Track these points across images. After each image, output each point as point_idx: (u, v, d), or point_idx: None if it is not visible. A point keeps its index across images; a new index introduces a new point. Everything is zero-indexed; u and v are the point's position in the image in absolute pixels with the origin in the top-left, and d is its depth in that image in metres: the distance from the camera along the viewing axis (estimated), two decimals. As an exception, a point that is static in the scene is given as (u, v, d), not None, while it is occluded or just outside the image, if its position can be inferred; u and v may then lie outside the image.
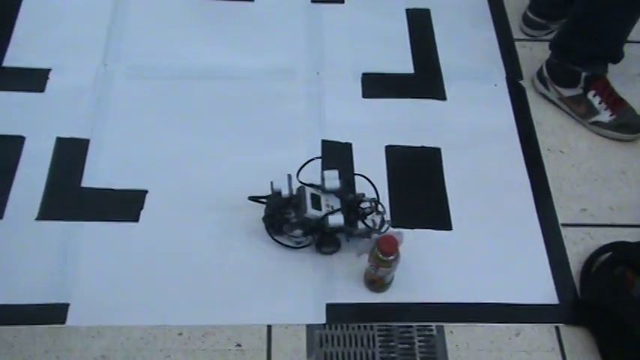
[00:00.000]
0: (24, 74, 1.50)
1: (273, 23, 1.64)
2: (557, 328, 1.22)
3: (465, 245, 1.31)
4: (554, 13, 1.61)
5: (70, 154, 1.38)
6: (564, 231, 1.34)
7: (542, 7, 1.62)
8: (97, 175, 1.36)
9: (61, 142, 1.40)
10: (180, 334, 1.18)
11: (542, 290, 1.27)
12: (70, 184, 1.34)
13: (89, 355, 1.15)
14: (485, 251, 1.31)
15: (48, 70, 1.50)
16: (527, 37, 1.65)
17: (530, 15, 1.64)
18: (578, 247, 1.32)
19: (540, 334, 1.22)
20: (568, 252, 1.31)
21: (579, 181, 1.41)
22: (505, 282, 1.27)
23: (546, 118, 1.51)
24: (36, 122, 1.42)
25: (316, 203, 1.22)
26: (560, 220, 1.35)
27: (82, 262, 1.25)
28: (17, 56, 1.53)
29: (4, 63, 1.51)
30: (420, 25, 1.66)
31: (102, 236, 1.28)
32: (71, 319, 1.19)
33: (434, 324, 1.22)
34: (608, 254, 1.29)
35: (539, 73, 1.53)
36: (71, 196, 1.33)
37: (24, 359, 1.14)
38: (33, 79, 1.49)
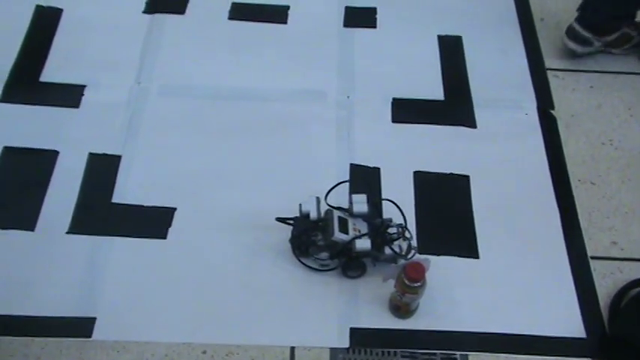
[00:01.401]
0: (60, 89, 1.53)
1: (305, 46, 1.65)
2: (583, 363, 1.21)
3: (491, 274, 1.30)
4: (604, 26, 1.56)
5: (102, 169, 1.40)
6: (593, 264, 1.32)
7: (591, 19, 1.56)
8: (127, 191, 1.38)
9: (93, 157, 1.42)
10: (204, 352, 1.19)
11: (570, 323, 1.25)
12: (100, 200, 1.36)
13: (113, 369, 1.16)
14: (512, 281, 1.29)
15: (83, 87, 1.53)
16: (559, 67, 1.64)
17: (577, 27, 1.60)
18: (607, 281, 1.30)
19: (567, 368, 1.20)
20: (596, 285, 1.29)
21: (610, 214, 1.40)
22: (531, 313, 1.25)
23: (577, 148, 1.50)
24: (70, 137, 1.45)
25: (343, 227, 1.23)
26: (589, 252, 1.34)
27: (109, 277, 1.26)
28: (54, 72, 1.56)
29: (41, 78, 1.55)
30: (451, 51, 1.67)
31: (130, 252, 1.29)
32: (97, 333, 1.20)
33: (458, 353, 1.21)
34: (637, 289, 1.27)
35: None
36: (101, 212, 1.35)
37: (50, 371, 1.16)
38: (68, 95, 1.52)
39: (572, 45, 1.62)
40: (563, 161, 1.47)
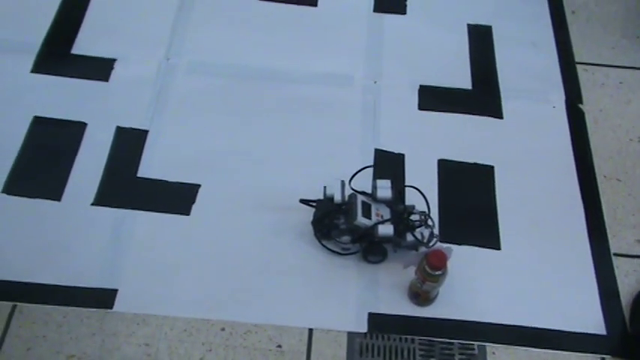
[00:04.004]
0: (90, 63, 1.53)
1: (334, 29, 1.65)
2: (603, 359, 1.20)
3: (512, 266, 1.30)
4: None
5: (129, 143, 1.41)
6: (616, 261, 1.31)
7: None
8: (152, 166, 1.39)
9: (120, 131, 1.43)
10: (223, 329, 1.20)
11: (590, 319, 1.24)
12: (126, 173, 1.37)
13: (133, 341, 1.18)
14: (534, 274, 1.29)
15: (113, 61, 1.54)
16: (589, 62, 1.62)
17: None
18: (630, 279, 1.29)
19: (585, 363, 1.20)
20: (619, 283, 1.29)
21: (635, 211, 1.38)
22: (552, 307, 1.25)
23: (604, 144, 1.48)
24: (98, 110, 1.46)
25: (366, 211, 1.23)
26: (613, 249, 1.33)
27: (132, 250, 1.27)
28: (85, 45, 1.57)
29: (72, 50, 1.56)
30: (480, 41, 1.65)
31: (153, 226, 1.31)
32: (119, 305, 1.21)
33: (476, 343, 1.21)
34: (660, 288, 1.26)
35: None
36: (127, 185, 1.36)
37: (71, 339, 1.17)
38: (98, 68, 1.52)
39: None
40: (590, 156, 1.46)
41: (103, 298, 1.22)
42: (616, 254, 1.32)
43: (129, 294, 1.23)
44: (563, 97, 1.56)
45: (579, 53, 1.65)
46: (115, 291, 1.22)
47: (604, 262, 1.31)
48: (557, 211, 1.37)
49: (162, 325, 1.20)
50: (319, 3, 1.70)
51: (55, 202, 1.32)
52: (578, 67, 1.62)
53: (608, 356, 1.20)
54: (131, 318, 1.20)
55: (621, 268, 1.30)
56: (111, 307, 1.21)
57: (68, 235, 1.28)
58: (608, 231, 1.35)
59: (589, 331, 1.23)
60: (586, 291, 1.27)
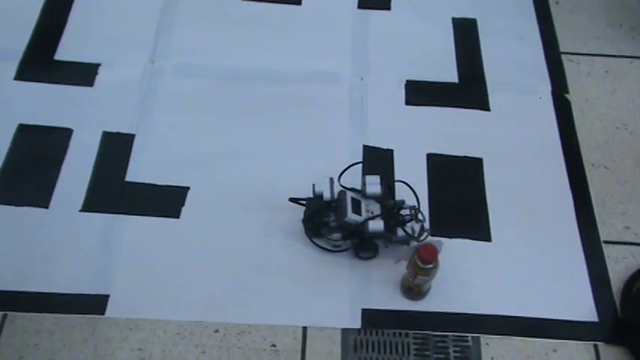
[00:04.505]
0: (74, 68, 1.52)
1: (319, 27, 1.64)
2: (595, 347, 1.21)
3: (504, 257, 1.30)
4: None
5: (116, 148, 1.41)
6: (606, 248, 1.32)
7: None
8: (140, 170, 1.38)
9: (107, 136, 1.42)
10: (217, 331, 1.20)
11: (582, 307, 1.25)
12: (114, 178, 1.37)
13: (126, 346, 1.17)
14: (525, 264, 1.29)
15: (98, 65, 1.53)
16: (574, 51, 1.63)
17: None
18: (620, 266, 1.30)
19: (578, 351, 1.20)
20: (609, 270, 1.29)
21: (623, 198, 1.39)
22: (544, 296, 1.25)
23: (591, 133, 1.49)
24: (84, 115, 1.45)
25: (356, 208, 1.23)
26: (603, 237, 1.33)
27: (122, 255, 1.27)
28: (69, 50, 1.56)
29: (56, 56, 1.55)
30: (465, 34, 1.65)
31: (143, 230, 1.30)
32: (110, 310, 1.21)
33: (470, 335, 1.21)
34: (651, 274, 1.27)
35: None
36: (115, 190, 1.35)
37: (64, 346, 1.17)
38: (83, 74, 1.51)
39: None
40: (577, 145, 1.46)
41: (94, 304, 1.21)
42: (606, 242, 1.33)
43: (120, 299, 1.22)
44: (549, 88, 1.56)
45: (564, 44, 1.65)
46: (106, 296, 1.22)
47: (594, 249, 1.32)
48: (547, 201, 1.38)
49: (155, 328, 1.19)
50: (303, 1, 1.70)
51: (43, 210, 1.31)
52: (564, 58, 1.62)
53: (601, 343, 1.21)
54: (124, 323, 1.20)
55: (611, 256, 1.31)
56: (103, 313, 1.20)
57: (57, 242, 1.28)
58: (597, 219, 1.36)
59: (581, 319, 1.23)
60: (577, 279, 1.28)
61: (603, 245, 1.32)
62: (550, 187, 1.40)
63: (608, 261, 1.30)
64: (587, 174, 1.42)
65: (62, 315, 1.20)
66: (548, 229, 1.34)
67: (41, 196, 1.33)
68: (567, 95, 1.55)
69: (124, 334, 1.18)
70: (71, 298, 1.22)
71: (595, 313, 1.24)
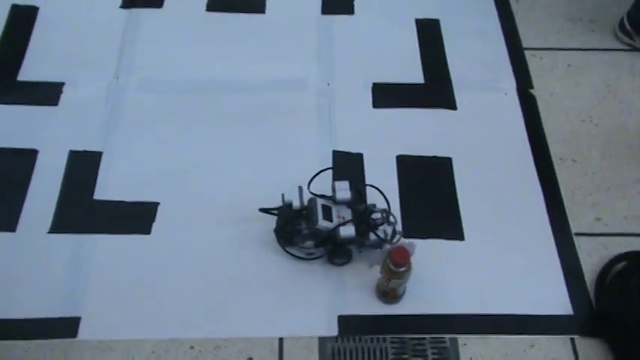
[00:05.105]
0: (38, 88, 1.51)
1: (283, 35, 1.64)
2: (572, 340, 1.21)
3: (477, 255, 1.30)
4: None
5: (83, 166, 1.39)
6: (578, 241, 1.33)
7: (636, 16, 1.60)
8: (109, 187, 1.36)
9: (73, 155, 1.40)
10: (192, 347, 1.18)
11: (557, 301, 1.25)
12: (82, 197, 1.35)
13: (101, 368, 1.16)
14: (498, 262, 1.30)
15: (62, 84, 1.52)
16: (536, 47, 1.65)
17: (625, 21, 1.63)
18: (593, 257, 1.31)
19: (555, 345, 1.20)
20: (582, 262, 1.30)
21: (592, 190, 1.40)
22: (519, 293, 1.26)
23: (557, 126, 1.50)
24: (49, 135, 1.43)
25: (327, 214, 1.22)
26: (574, 229, 1.34)
27: (93, 275, 1.25)
28: (31, 70, 1.54)
29: (18, 77, 1.53)
30: (429, 35, 1.66)
31: (114, 249, 1.28)
32: (83, 333, 1.19)
33: (447, 336, 1.21)
34: (622, 264, 1.28)
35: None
36: (83, 209, 1.33)
37: (37, 372, 1.15)
38: (47, 93, 1.50)
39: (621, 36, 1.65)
40: (544, 140, 1.47)
41: (66, 328, 1.19)
42: (577, 234, 1.34)
43: (92, 321, 1.20)
44: (514, 84, 1.57)
45: (526, 39, 1.67)
46: (78, 319, 1.20)
47: (566, 242, 1.33)
48: (517, 197, 1.38)
49: (129, 349, 1.18)
50: (267, 9, 1.70)
51: (10, 233, 1.29)
52: (527, 53, 1.64)
53: (577, 336, 1.21)
54: (96, 345, 1.18)
55: (583, 248, 1.32)
56: (75, 336, 1.18)
57: (26, 266, 1.26)
58: (567, 212, 1.37)
59: (557, 313, 1.24)
60: (550, 273, 1.29)
61: (575, 238, 1.33)
62: (520, 183, 1.41)
63: (580, 253, 1.31)
64: (556, 168, 1.43)
65: (33, 341, 1.18)
66: (519, 225, 1.34)
67: (7, 220, 1.31)
68: (532, 90, 1.56)
69: (97, 356, 1.17)
70: (42, 322, 1.20)
71: (570, 306, 1.25)
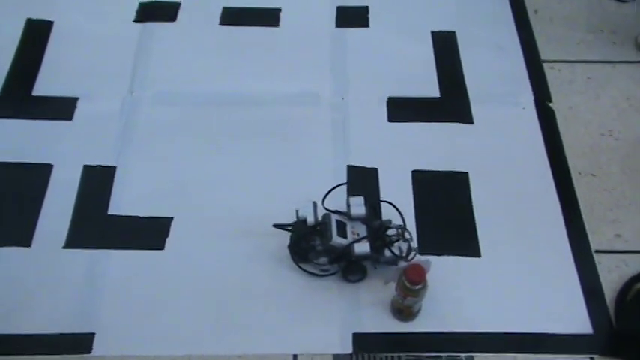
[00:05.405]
0: (52, 103, 1.51)
1: (297, 48, 1.64)
2: (591, 359, 1.19)
3: (494, 272, 1.28)
4: None
5: (97, 182, 1.39)
6: (597, 257, 1.30)
7: None
8: (123, 202, 1.36)
9: (88, 170, 1.41)
10: (206, 364, 1.18)
11: (576, 319, 1.23)
12: (96, 212, 1.35)
13: (114, 385, 1.15)
14: (516, 279, 1.27)
15: (76, 99, 1.52)
16: (555, 59, 1.62)
17: None
18: (613, 275, 1.28)
19: (574, 365, 1.18)
20: (602, 279, 1.27)
21: (612, 206, 1.37)
22: (536, 310, 1.23)
23: (576, 140, 1.48)
24: (64, 150, 1.43)
25: (342, 231, 1.21)
26: (593, 246, 1.32)
27: (107, 291, 1.25)
28: (46, 85, 1.55)
29: (33, 92, 1.54)
30: (445, 47, 1.65)
31: (128, 264, 1.28)
32: (97, 348, 1.18)
33: (464, 354, 1.19)
34: (644, 282, 1.25)
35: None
36: (98, 224, 1.33)
37: (50, 389, 1.15)
38: (61, 108, 1.50)
39: None
40: (563, 154, 1.45)
41: (80, 343, 1.18)
42: (597, 251, 1.31)
43: (107, 336, 1.20)
44: (532, 97, 1.55)
45: (545, 51, 1.65)
46: (92, 334, 1.19)
47: (585, 259, 1.30)
48: (535, 212, 1.36)
49: (144, 365, 1.17)
50: (281, 23, 1.69)
51: (25, 249, 1.29)
52: (545, 66, 1.62)
53: (596, 355, 1.19)
54: (111, 361, 1.18)
55: (603, 265, 1.29)
56: (89, 352, 1.18)
57: (41, 281, 1.25)
58: (587, 228, 1.34)
59: (575, 332, 1.21)
60: (569, 291, 1.26)
61: (594, 255, 1.31)
62: (538, 198, 1.39)
63: (600, 270, 1.29)
64: (575, 183, 1.41)
65: (48, 356, 1.18)
66: (537, 241, 1.32)
67: (23, 235, 1.31)
68: (550, 104, 1.54)
69: (111, 372, 1.16)
70: (56, 338, 1.19)
71: (589, 324, 1.22)
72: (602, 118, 1.52)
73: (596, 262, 1.30)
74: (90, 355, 1.18)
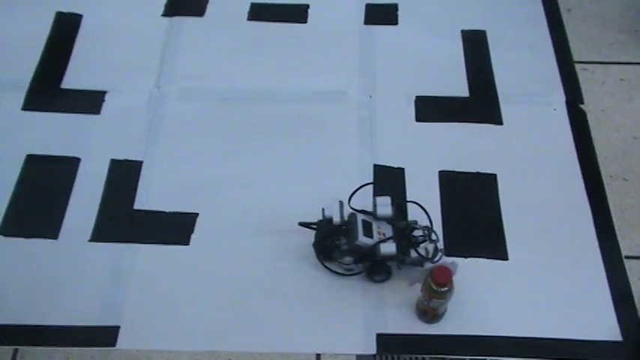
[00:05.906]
0: (81, 96, 1.52)
1: (325, 45, 1.63)
2: (620, 367, 1.17)
3: (521, 276, 1.26)
4: None
5: (124, 176, 1.40)
6: (628, 263, 1.28)
7: None
8: (149, 197, 1.37)
9: (115, 163, 1.41)
10: (229, 360, 1.18)
11: (605, 326, 1.21)
12: (123, 206, 1.35)
13: (138, 379, 1.16)
14: (543, 283, 1.25)
15: (104, 93, 1.53)
16: (588, 60, 1.59)
17: None
18: (644, 281, 1.26)
19: (602, 373, 1.16)
20: (632, 286, 1.25)
21: (644, 211, 1.35)
22: (564, 316, 1.21)
23: (608, 143, 1.45)
24: (91, 144, 1.44)
25: (368, 230, 1.20)
26: (624, 251, 1.29)
27: (132, 285, 1.25)
28: (75, 78, 1.56)
29: (62, 85, 1.55)
30: (475, 46, 1.63)
31: (153, 259, 1.28)
32: (121, 342, 1.19)
33: (489, 358, 1.17)
34: (676, 289, 1.23)
35: None
36: (124, 219, 1.34)
37: (75, 381, 1.15)
38: (89, 101, 1.51)
39: None
40: (594, 157, 1.43)
41: (105, 336, 1.19)
42: (627, 257, 1.29)
43: (131, 330, 1.20)
44: (563, 99, 1.53)
45: (577, 52, 1.62)
46: (117, 328, 1.20)
47: (615, 265, 1.27)
48: (564, 216, 1.34)
49: (167, 359, 1.17)
50: (309, 19, 1.68)
51: (52, 241, 1.30)
52: (577, 67, 1.59)
53: (625, 363, 1.17)
54: (135, 355, 1.18)
55: (633, 271, 1.27)
56: (114, 345, 1.18)
57: (67, 273, 1.26)
58: (617, 233, 1.32)
59: (604, 338, 1.19)
60: (598, 296, 1.24)
61: (625, 260, 1.28)
62: (567, 201, 1.36)
63: (630, 276, 1.26)
64: (606, 187, 1.38)
65: (73, 348, 1.18)
66: (566, 245, 1.30)
67: (50, 227, 1.32)
68: (582, 105, 1.51)
69: (134, 366, 1.17)
70: (82, 330, 1.20)
71: (618, 331, 1.20)
72: (635, 121, 1.49)
73: (627, 268, 1.27)
74: (114, 348, 1.18)
